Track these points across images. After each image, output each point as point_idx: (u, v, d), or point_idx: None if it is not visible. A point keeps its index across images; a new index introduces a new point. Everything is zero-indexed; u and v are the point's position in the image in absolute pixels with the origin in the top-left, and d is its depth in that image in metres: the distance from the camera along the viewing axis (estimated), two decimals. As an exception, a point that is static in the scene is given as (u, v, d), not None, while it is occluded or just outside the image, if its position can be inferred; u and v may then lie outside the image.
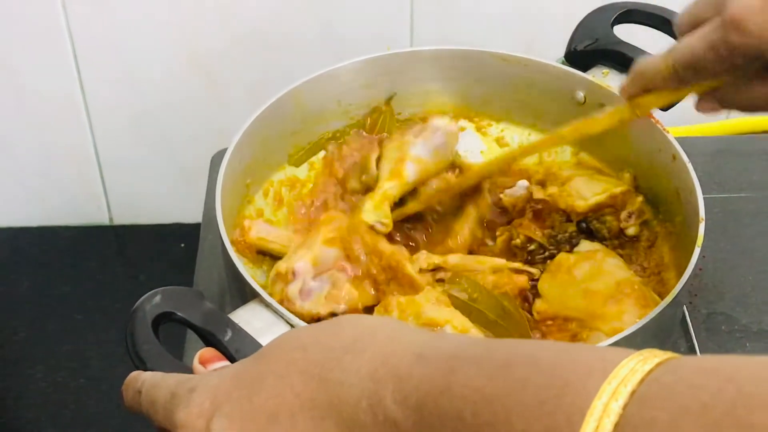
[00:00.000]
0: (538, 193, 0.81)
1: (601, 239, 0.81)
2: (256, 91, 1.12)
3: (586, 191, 0.79)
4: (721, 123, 1.17)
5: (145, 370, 0.61)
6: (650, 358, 0.39)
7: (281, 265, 0.75)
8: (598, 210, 0.80)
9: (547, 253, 0.80)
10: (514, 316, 0.74)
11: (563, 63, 0.86)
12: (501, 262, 0.77)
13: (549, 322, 0.75)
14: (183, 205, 1.25)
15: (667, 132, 0.80)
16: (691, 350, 0.84)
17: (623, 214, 0.80)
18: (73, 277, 1.22)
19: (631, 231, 0.81)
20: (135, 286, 1.22)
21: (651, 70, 0.68)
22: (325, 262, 0.75)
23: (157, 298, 0.64)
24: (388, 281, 0.75)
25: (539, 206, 0.80)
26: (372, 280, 0.75)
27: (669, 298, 0.68)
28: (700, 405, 0.35)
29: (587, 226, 0.81)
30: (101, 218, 1.28)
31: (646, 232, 0.82)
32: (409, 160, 0.81)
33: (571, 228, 0.80)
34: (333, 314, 0.72)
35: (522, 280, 0.76)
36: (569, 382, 0.39)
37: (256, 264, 0.80)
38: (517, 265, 0.77)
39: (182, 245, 1.24)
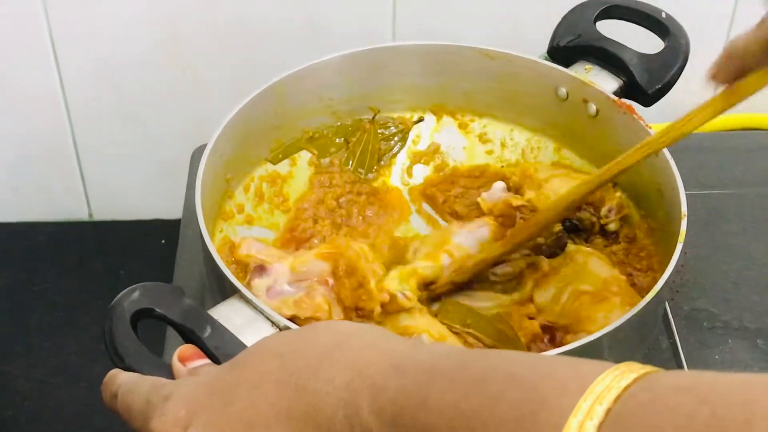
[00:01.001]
0: (517, 201, 0.80)
1: (589, 232, 0.81)
2: (237, 84, 1.11)
3: (563, 191, 0.78)
4: (703, 120, 1.17)
5: (124, 367, 0.60)
6: (627, 372, 0.39)
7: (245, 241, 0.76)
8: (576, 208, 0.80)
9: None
10: (511, 337, 0.73)
11: (546, 59, 0.86)
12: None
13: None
14: (163, 201, 1.24)
15: (650, 128, 0.79)
16: (673, 347, 0.84)
17: (603, 210, 0.80)
18: (53, 273, 1.20)
19: (612, 227, 0.80)
20: (115, 282, 1.20)
21: (743, 49, 0.61)
22: (310, 272, 0.74)
23: (136, 294, 0.64)
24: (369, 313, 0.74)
25: (528, 215, 0.79)
26: (343, 306, 0.74)
27: (651, 295, 0.68)
28: (674, 427, 0.35)
29: (571, 222, 0.81)
30: (81, 214, 1.27)
31: (625, 228, 0.81)
32: (449, 245, 0.78)
33: (557, 228, 0.80)
34: (295, 317, 0.71)
35: (533, 325, 0.75)
36: (545, 398, 0.39)
37: None
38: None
39: (162, 241, 1.23)
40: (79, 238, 1.25)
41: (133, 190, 1.25)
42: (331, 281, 0.74)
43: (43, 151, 1.20)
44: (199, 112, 1.16)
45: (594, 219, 0.81)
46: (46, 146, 1.19)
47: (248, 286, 0.73)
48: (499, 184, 0.84)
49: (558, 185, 0.80)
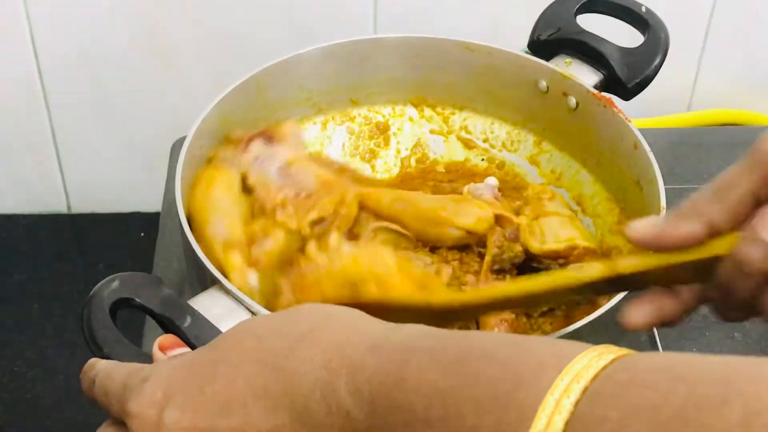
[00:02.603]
0: (504, 212, 0.79)
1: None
2: (217, 77, 1.11)
3: (549, 235, 0.77)
4: (681, 115, 1.18)
5: (103, 356, 0.60)
6: (605, 353, 0.39)
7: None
8: (550, 257, 0.77)
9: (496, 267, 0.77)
10: None
11: (527, 52, 0.86)
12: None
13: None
14: (143, 194, 1.23)
15: (629, 121, 0.80)
16: (651, 339, 0.85)
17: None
18: (30, 265, 1.20)
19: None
20: (93, 275, 1.19)
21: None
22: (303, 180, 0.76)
23: (115, 284, 0.63)
24: None
25: (502, 244, 0.78)
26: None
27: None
28: (651, 405, 0.35)
29: (531, 265, 0.78)
30: (59, 206, 1.26)
31: None
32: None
33: (518, 249, 0.77)
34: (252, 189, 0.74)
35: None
36: (523, 377, 0.39)
37: None
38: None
39: (142, 234, 1.22)
40: (57, 230, 1.25)
41: (112, 183, 1.24)
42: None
43: (21, 142, 1.19)
44: (178, 104, 1.15)
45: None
46: (24, 137, 1.19)
47: (247, 143, 0.77)
48: (492, 181, 0.83)
49: (551, 225, 0.78)
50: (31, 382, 1.07)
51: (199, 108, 0.79)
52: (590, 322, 0.65)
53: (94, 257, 1.22)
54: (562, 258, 0.77)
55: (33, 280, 1.18)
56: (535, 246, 0.77)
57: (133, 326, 0.72)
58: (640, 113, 1.01)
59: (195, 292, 0.68)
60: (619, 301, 0.66)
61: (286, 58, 0.85)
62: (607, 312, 0.66)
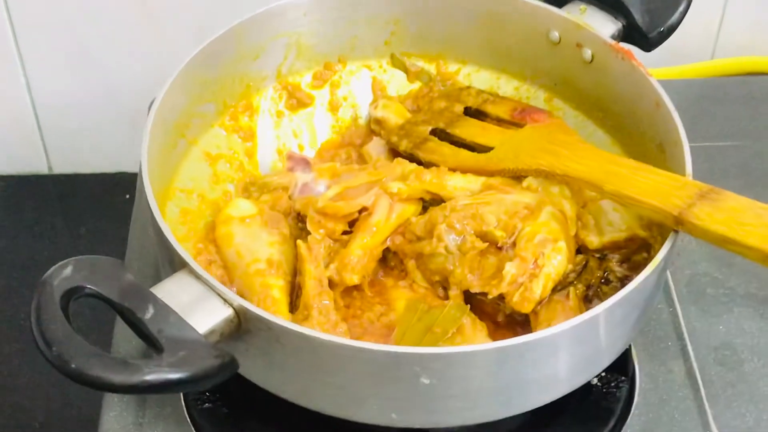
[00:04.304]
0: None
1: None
2: (200, 27, 1.03)
3: (604, 223, 0.70)
4: (703, 64, 1.09)
5: (52, 355, 0.53)
6: None
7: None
8: (609, 249, 0.70)
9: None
10: None
11: (536, -2, 0.78)
12: None
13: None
14: (128, 153, 1.15)
15: (651, 76, 0.72)
16: (673, 316, 0.77)
17: (614, 260, 0.70)
18: (8, 230, 1.13)
19: (613, 276, 0.70)
20: (75, 239, 1.13)
21: None
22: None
23: (68, 270, 0.56)
24: None
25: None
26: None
27: (652, 266, 0.60)
28: None
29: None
30: (39, 166, 1.19)
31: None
32: None
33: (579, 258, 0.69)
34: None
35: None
36: None
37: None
38: None
39: (127, 196, 1.15)
40: (36, 192, 1.18)
41: (94, 142, 1.17)
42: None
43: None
44: (160, 56, 1.08)
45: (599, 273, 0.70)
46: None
47: (288, 171, 0.75)
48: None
49: (606, 211, 0.71)
50: (7, 357, 1.01)
51: (180, 62, 0.73)
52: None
53: (77, 220, 1.16)
54: (622, 249, 0.70)
55: (11, 246, 1.12)
56: (594, 241, 0.69)
57: (107, 316, 0.64)
58: (659, 62, 0.92)
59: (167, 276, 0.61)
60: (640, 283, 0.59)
61: (270, 7, 0.77)
62: (624, 297, 0.59)
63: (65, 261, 0.57)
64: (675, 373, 0.74)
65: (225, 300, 0.58)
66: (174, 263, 0.60)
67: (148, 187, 0.64)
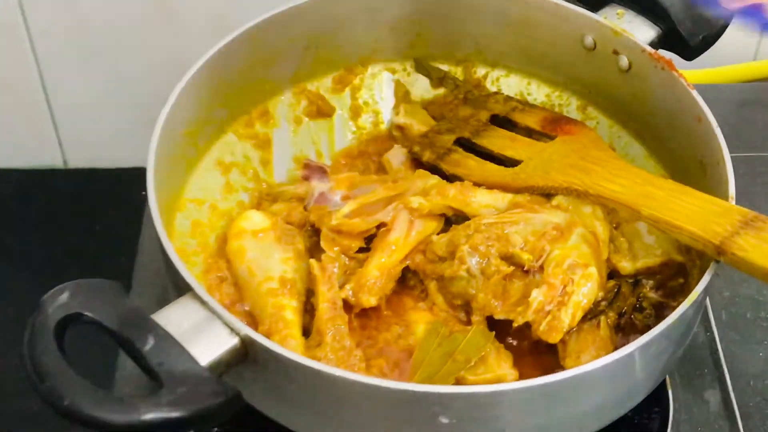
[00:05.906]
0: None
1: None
2: (220, 22, 1.00)
3: (639, 247, 0.66)
4: (748, 66, 1.04)
5: (44, 389, 0.49)
6: None
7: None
8: (644, 274, 0.66)
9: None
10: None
11: (571, 1, 0.74)
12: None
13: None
14: (143, 148, 1.13)
15: (692, 88, 0.67)
16: (710, 341, 0.73)
17: (648, 286, 0.66)
18: (20, 227, 1.10)
19: (646, 303, 0.66)
20: (90, 236, 1.10)
21: None
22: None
23: (65, 296, 0.53)
24: None
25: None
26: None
27: (690, 300, 0.56)
28: None
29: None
30: (54, 161, 1.16)
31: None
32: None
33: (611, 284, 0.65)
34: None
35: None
36: None
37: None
38: None
39: (143, 192, 1.12)
40: (51, 187, 1.15)
41: (111, 136, 1.15)
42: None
43: (7, 92, 1.09)
44: (178, 49, 1.05)
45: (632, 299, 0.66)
46: (10, 87, 1.09)
47: (304, 179, 0.73)
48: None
49: (642, 234, 0.67)
50: (9, 362, 0.97)
51: (197, 56, 0.71)
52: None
53: (92, 217, 1.13)
54: (657, 274, 0.66)
55: (22, 244, 1.09)
56: (627, 266, 0.65)
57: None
58: (695, 63, 0.88)
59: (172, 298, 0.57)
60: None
61: (289, 7, 0.74)
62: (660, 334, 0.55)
63: (62, 285, 0.54)
64: (711, 404, 0.70)
65: (231, 329, 0.54)
66: (179, 286, 0.57)
67: (153, 202, 0.62)
